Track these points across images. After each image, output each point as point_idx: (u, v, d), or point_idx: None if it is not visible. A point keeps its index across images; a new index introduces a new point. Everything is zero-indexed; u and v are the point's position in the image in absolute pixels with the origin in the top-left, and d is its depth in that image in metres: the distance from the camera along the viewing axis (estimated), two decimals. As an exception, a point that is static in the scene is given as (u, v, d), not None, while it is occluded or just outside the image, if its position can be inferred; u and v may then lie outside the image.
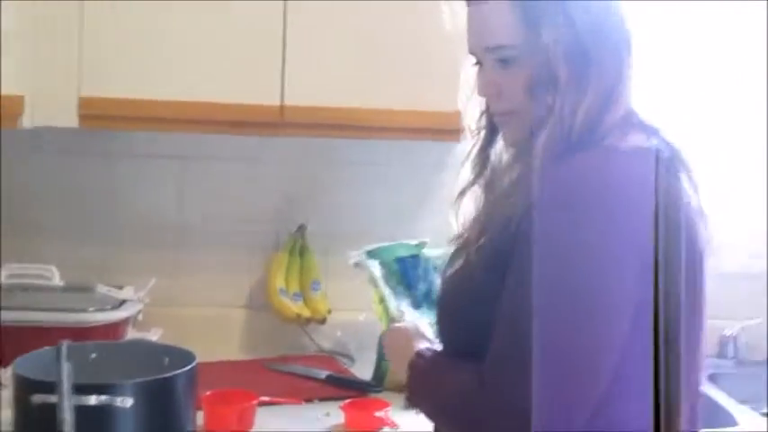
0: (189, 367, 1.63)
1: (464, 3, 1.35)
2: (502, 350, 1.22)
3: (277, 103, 2.03)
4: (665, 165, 1.25)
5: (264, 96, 2.03)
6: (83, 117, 2.02)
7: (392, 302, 1.90)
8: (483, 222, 1.33)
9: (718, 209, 1.37)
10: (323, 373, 2.15)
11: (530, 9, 1.28)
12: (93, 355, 1.75)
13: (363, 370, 2.19)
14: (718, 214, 1.35)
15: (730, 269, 1.63)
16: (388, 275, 2.00)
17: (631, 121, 1.31)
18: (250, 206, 2.41)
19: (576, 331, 1.18)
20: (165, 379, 1.60)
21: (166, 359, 1.74)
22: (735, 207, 2.33)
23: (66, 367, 1.39)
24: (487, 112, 1.41)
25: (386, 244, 2.01)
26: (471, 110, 1.44)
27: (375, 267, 1.99)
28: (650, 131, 1.30)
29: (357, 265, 2.04)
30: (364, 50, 2.05)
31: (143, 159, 2.39)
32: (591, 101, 1.26)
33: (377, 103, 2.04)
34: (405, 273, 1.99)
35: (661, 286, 1.16)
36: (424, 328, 1.47)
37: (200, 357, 1.68)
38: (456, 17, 1.44)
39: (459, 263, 1.35)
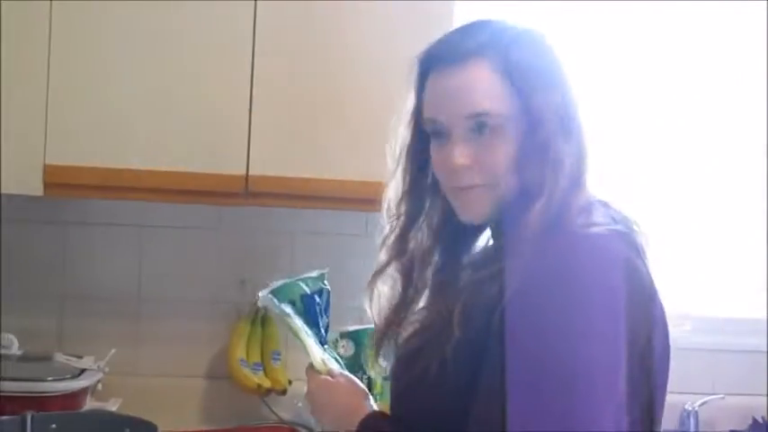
0: (151, 439, 1.62)
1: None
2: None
3: (242, 172, 2.05)
4: (631, 245, 1.25)
5: (229, 166, 2.04)
6: (48, 185, 2.01)
7: (315, 350, 1.75)
8: (447, 309, 1.26)
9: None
10: (283, 446, 2.13)
11: (518, 75, 1.24)
12: (54, 426, 1.73)
13: (324, 442, 2.17)
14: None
15: (689, 343, 1.66)
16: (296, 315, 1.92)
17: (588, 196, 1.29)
18: (210, 275, 2.41)
19: (556, 420, 1.13)
20: (127, 450, 1.59)
21: (127, 430, 1.72)
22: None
23: (29, 439, 1.38)
24: (417, 190, 1.36)
25: (289, 280, 1.80)
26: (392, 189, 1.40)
27: (287, 308, 1.89)
28: (605, 206, 1.28)
29: (265, 308, 1.94)
30: (330, 121, 2.08)
31: (100, 227, 2.39)
32: (570, 171, 1.24)
33: (343, 174, 2.05)
34: (310, 310, 1.90)
35: (643, 369, 1.20)
36: (359, 384, 1.46)
37: (160, 427, 1.67)
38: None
39: (417, 350, 1.28)
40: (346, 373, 1.51)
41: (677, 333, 1.31)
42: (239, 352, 2.33)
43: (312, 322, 1.74)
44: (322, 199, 2.10)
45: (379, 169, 1.45)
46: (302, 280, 1.79)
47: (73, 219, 2.37)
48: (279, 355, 2.37)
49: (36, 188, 2.01)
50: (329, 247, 2.39)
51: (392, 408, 1.34)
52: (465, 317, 1.23)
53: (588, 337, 1.14)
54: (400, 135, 1.39)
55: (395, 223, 1.39)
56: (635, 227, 1.28)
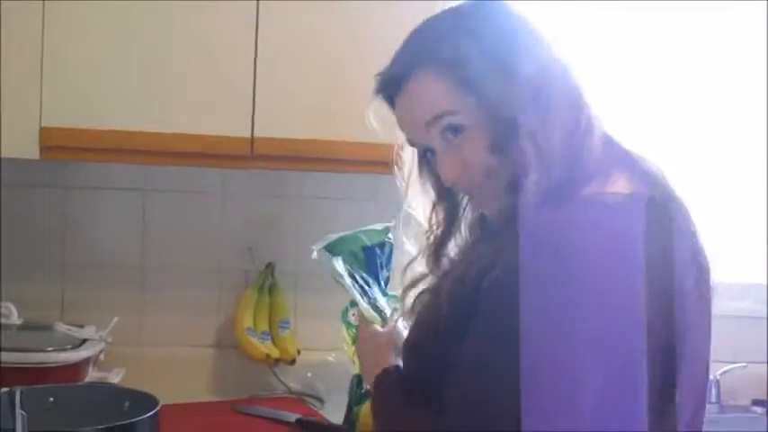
0: (151, 413, 1.55)
1: None
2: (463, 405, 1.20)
3: (247, 135, 1.97)
4: (656, 210, 1.18)
5: (234, 128, 1.96)
6: (44, 148, 1.94)
7: (363, 304, 1.74)
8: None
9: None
10: (292, 417, 2.07)
11: (465, 67, 1.24)
12: (51, 400, 1.66)
13: (334, 413, 2.10)
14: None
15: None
16: (354, 268, 1.90)
17: (612, 156, 1.24)
18: (216, 241, 2.34)
19: (562, 394, 1.12)
20: (125, 426, 1.52)
21: (127, 403, 1.66)
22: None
23: (20, 416, 1.31)
24: (447, 201, 1.37)
25: (348, 233, 1.79)
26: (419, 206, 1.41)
27: (339, 265, 1.86)
28: (632, 166, 1.24)
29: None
30: (336, 82, 2.00)
31: (103, 192, 2.31)
32: (559, 142, 1.20)
33: (349, 136, 1.98)
34: (370, 262, 1.88)
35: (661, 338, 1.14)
36: (399, 338, 1.45)
37: (165, 398, 1.61)
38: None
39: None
40: (399, 325, 1.50)
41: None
42: (246, 320, 2.27)
43: (372, 274, 1.75)
44: (330, 161, 2.02)
45: (388, 131, 1.40)
46: (363, 232, 1.78)
47: (74, 183, 2.30)
48: (287, 323, 2.31)
49: (32, 151, 1.94)
50: (338, 211, 2.31)
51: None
52: (453, 292, 1.26)
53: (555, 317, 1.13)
54: (406, 157, 1.41)
55: (432, 234, 1.40)
56: (665, 190, 1.22)
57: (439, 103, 1.25)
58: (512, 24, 1.28)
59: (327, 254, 1.78)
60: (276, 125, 1.98)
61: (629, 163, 1.25)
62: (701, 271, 1.25)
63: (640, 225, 1.16)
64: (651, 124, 2.38)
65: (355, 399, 2.02)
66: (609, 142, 1.26)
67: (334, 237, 1.75)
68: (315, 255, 1.84)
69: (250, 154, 1.98)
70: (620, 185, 1.20)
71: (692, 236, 1.24)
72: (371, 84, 1.45)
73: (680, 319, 1.18)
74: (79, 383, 1.95)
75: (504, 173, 1.24)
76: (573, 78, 1.26)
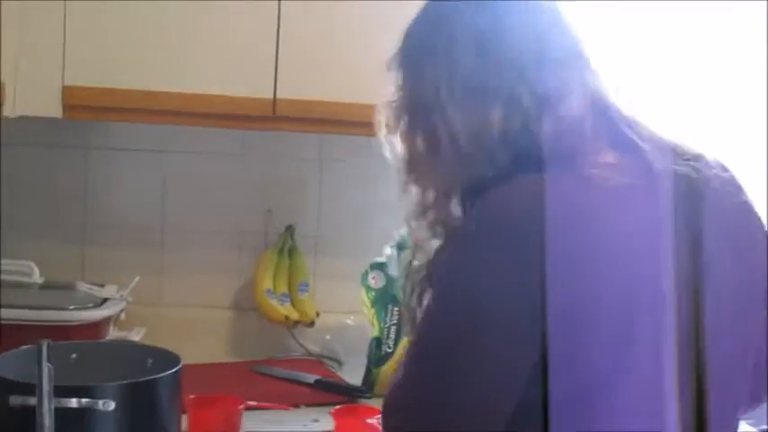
0: (174, 370, 1.56)
1: None
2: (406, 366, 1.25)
3: (269, 96, 1.96)
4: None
5: (256, 89, 1.96)
6: (66, 107, 1.94)
7: None
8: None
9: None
10: (311, 378, 2.08)
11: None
12: (74, 356, 1.67)
13: (352, 375, 2.12)
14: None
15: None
16: None
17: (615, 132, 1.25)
18: (237, 204, 2.35)
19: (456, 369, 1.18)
20: (148, 381, 1.53)
21: (150, 360, 1.66)
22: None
23: (46, 369, 1.32)
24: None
25: None
26: None
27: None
28: (628, 144, 1.25)
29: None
30: (359, 44, 1.99)
31: (124, 153, 2.31)
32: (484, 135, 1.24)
33: (371, 99, 1.96)
34: None
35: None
36: None
37: (185, 359, 1.61)
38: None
39: None
40: None
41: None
42: (266, 282, 2.28)
43: None
44: (351, 124, 2.01)
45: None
46: None
47: (95, 144, 2.31)
48: (306, 286, 2.32)
49: (55, 110, 1.94)
50: (359, 175, 2.31)
51: None
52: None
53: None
54: None
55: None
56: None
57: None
58: (442, 23, 1.32)
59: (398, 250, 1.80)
60: (298, 87, 1.97)
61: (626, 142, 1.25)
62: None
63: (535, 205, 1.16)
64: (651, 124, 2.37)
65: (374, 361, 2.05)
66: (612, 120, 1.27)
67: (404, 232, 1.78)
68: (388, 251, 1.88)
69: (272, 115, 1.98)
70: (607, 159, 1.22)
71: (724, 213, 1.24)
72: (395, 46, 1.45)
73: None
74: (102, 340, 1.97)
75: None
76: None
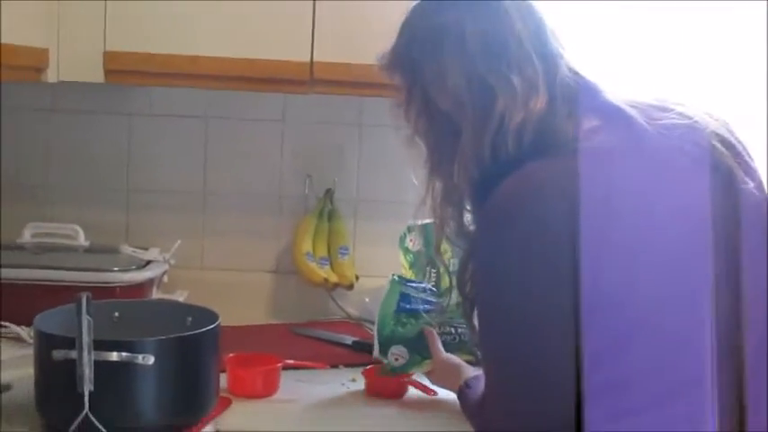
0: (212, 326, 1.59)
1: None
2: (486, 379, 1.34)
3: (307, 59, 1.97)
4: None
5: (293, 52, 1.97)
6: (108, 72, 1.97)
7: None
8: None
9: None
10: (349, 339, 2.10)
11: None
12: (116, 314, 1.71)
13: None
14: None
15: None
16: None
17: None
18: (277, 169, 2.37)
19: (507, 348, 1.26)
20: (187, 337, 1.56)
21: (189, 319, 1.70)
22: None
23: (86, 320, 1.35)
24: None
25: None
26: None
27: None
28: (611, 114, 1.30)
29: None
30: (398, 6, 1.98)
31: (166, 119, 2.35)
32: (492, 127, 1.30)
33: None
34: None
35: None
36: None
37: (225, 321, 1.64)
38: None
39: None
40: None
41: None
42: (306, 246, 2.30)
43: None
44: (389, 87, 2.01)
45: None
46: None
47: (137, 110, 2.34)
48: (346, 249, 2.33)
49: (97, 75, 1.97)
50: (398, 139, 2.31)
51: None
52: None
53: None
54: None
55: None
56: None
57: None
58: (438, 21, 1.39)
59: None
60: (336, 49, 1.98)
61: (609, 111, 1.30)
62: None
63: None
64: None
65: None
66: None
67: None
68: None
69: (310, 78, 1.99)
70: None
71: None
72: (394, 47, 1.48)
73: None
74: (143, 299, 2.00)
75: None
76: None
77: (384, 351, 1.80)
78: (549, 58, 1.34)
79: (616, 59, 2.32)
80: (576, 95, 1.32)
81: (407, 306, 1.80)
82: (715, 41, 2.33)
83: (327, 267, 2.30)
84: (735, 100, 2.36)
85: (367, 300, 2.29)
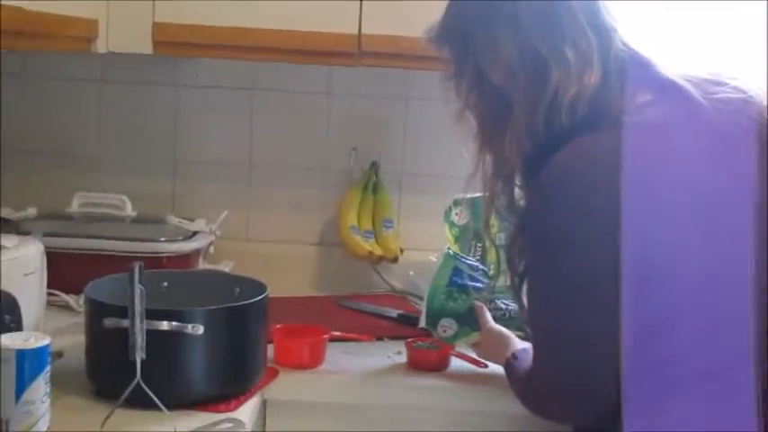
0: (260, 297, 1.60)
1: None
2: (534, 350, 1.37)
3: (354, 31, 1.97)
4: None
5: (341, 24, 1.97)
6: (157, 44, 1.98)
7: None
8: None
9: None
10: (394, 312, 2.11)
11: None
12: (165, 284, 1.72)
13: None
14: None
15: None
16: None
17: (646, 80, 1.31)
18: (322, 141, 2.37)
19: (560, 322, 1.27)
20: (236, 307, 1.57)
21: (237, 289, 1.71)
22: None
23: (138, 289, 1.37)
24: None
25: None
26: None
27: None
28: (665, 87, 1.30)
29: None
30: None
31: (212, 91, 2.36)
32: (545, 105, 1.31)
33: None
34: None
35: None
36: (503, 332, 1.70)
37: (271, 293, 1.65)
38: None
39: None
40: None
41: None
42: (351, 219, 2.30)
43: None
44: (437, 60, 2.00)
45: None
46: None
47: (184, 82, 2.35)
48: (391, 222, 2.33)
49: (146, 46, 1.98)
50: (444, 113, 2.30)
51: None
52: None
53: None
54: None
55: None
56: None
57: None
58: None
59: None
60: (384, 22, 1.97)
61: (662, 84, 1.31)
62: None
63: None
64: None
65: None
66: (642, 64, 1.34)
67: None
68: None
69: (357, 51, 1.99)
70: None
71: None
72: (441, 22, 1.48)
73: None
74: (192, 270, 2.02)
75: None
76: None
77: (433, 323, 1.81)
78: (603, 32, 1.33)
79: None
80: (629, 70, 1.31)
81: (459, 281, 1.81)
82: (715, 41, 2.30)
83: (372, 240, 2.30)
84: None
85: (411, 273, 2.29)
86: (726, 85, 1.30)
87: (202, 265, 2.15)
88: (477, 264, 1.90)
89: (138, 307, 1.37)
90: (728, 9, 2.28)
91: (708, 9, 2.28)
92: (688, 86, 1.28)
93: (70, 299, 1.96)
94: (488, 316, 1.75)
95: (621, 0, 1.39)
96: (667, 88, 1.29)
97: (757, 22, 2.27)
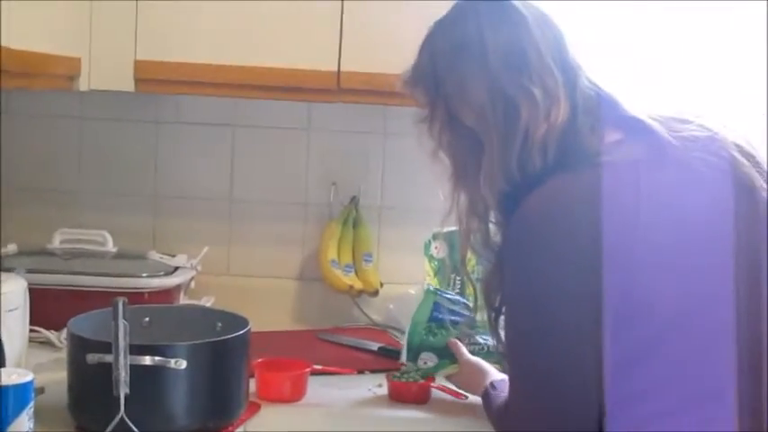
0: (243, 331, 1.61)
1: None
2: (510, 381, 1.39)
3: (334, 68, 2.00)
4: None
5: (321, 62, 2.00)
6: (138, 81, 2.00)
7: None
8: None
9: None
10: (375, 345, 2.12)
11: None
12: (147, 319, 1.73)
13: (415, 343, 2.15)
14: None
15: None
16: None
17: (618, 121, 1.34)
18: (301, 176, 2.39)
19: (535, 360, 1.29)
20: (219, 342, 1.58)
21: (219, 324, 1.72)
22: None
23: (122, 325, 1.38)
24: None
25: None
26: None
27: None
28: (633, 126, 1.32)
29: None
30: (423, 16, 2.00)
31: (193, 127, 2.38)
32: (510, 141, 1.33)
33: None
34: None
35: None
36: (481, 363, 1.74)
37: (252, 327, 1.66)
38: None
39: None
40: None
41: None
42: (331, 253, 2.32)
43: None
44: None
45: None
46: None
47: (165, 118, 2.38)
48: (370, 256, 2.36)
49: (127, 84, 2.00)
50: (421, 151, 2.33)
51: None
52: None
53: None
54: None
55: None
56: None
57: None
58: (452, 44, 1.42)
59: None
60: (363, 59, 2.00)
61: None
62: None
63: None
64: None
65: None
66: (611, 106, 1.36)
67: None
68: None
69: (336, 87, 2.01)
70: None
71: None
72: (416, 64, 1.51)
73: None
74: (173, 305, 2.03)
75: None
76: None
77: (414, 358, 1.83)
78: (569, 70, 1.36)
79: (615, 59, 2.33)
80: (596, 107, 1.34)
81: (439, 316, 1.84)
82: (715, 41, 2.34)
83: (352, 274, 2.32)
84: (735, 100, 2.37)
85: (391, 306, 2.30)
86: (691, 122, 1.33)
87: (183, 300, 2.16)
88: (457, 297, 1.92)
89: (123, 342, 1.38)
90: (728, 9, 2.32)
91: (708, 9, 2.33)
92: (655, 125, 1.31)
93: (51, 335, 1.96)
94: (464, 350, 1.78)
95: (623, 0, 1.40)
96: (635, 127, 1.32)
97: (757, 22, 2.31)
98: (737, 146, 1.32)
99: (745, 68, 2.35)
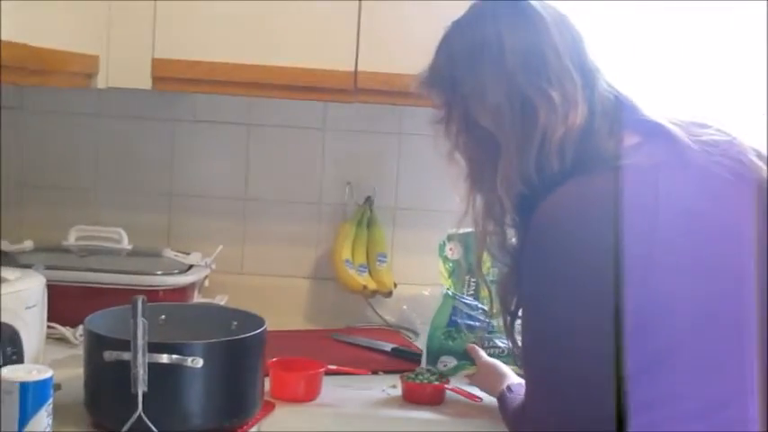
0: (259, 330, 1.61)
1: None
2: (527, 384, 1.39)
3: (351, 68, 2.00)
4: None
5: (338, 62, 2.00)
6: (156, 79, 2.01)
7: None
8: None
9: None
10: (388, 346, 2.12)
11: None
12: (162, 317, 1.73)
13: (428, 344, 2.15)
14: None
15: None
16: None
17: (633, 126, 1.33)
18: (317, 176, 2.40)
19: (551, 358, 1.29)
20: (235, 341, 1.59)
21: (235, 323, 1.73)
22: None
23: (141, 323, 1.38)
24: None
25: None
26: None
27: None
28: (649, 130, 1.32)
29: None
30: (440, 16, 2.01)
31: (209, 125, 2.39)
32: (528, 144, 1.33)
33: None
34: None
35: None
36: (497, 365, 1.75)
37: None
38: None
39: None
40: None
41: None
42: (345, 253, 2.32)
43: None
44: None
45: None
46: None
47: (182, 117, 2.38)
48: (384, 257, 2.36)
49: (145, 82, 2.01)
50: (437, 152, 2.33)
51: None
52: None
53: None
54: None
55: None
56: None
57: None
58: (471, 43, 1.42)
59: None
60: (380, 60, 2.00)
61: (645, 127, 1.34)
62: None
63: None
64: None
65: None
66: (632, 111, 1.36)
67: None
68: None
69: (353, 88, 2.02)
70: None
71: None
72: (432, 65, 1.51)
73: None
74: (189, 303, 2.03)
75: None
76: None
77: (433, 362, 1.86)
78: (588, 72, 1.35)
79: (615, 59, 2.33)
80: (615, 110, 1.34)
81: (458, 320, 1.85)
82: (715, 41, 2.34)
83: (366, 274, 2.32)
84: (735, 100, 2.37)
85: (405, 307, 2.31)
86: (710, 127, 1.32)
87: (197, 298, 2.16)
88: (475, 303, 1.93)
89: (141, 340, 1.38)
90: (728, 9, 2.32)
91: (708, 9, 2.32)
92: (674, 129, 1.31)
93: (67, 331, 1.97)
94: (482, 353, 1.79)
95: (626, 0, 1.40)
96: (654, 131, 1.32)
97: (757, 22, 2.31)
98: (754, 150, 1.31)
99: (745, 68, 2.35)
